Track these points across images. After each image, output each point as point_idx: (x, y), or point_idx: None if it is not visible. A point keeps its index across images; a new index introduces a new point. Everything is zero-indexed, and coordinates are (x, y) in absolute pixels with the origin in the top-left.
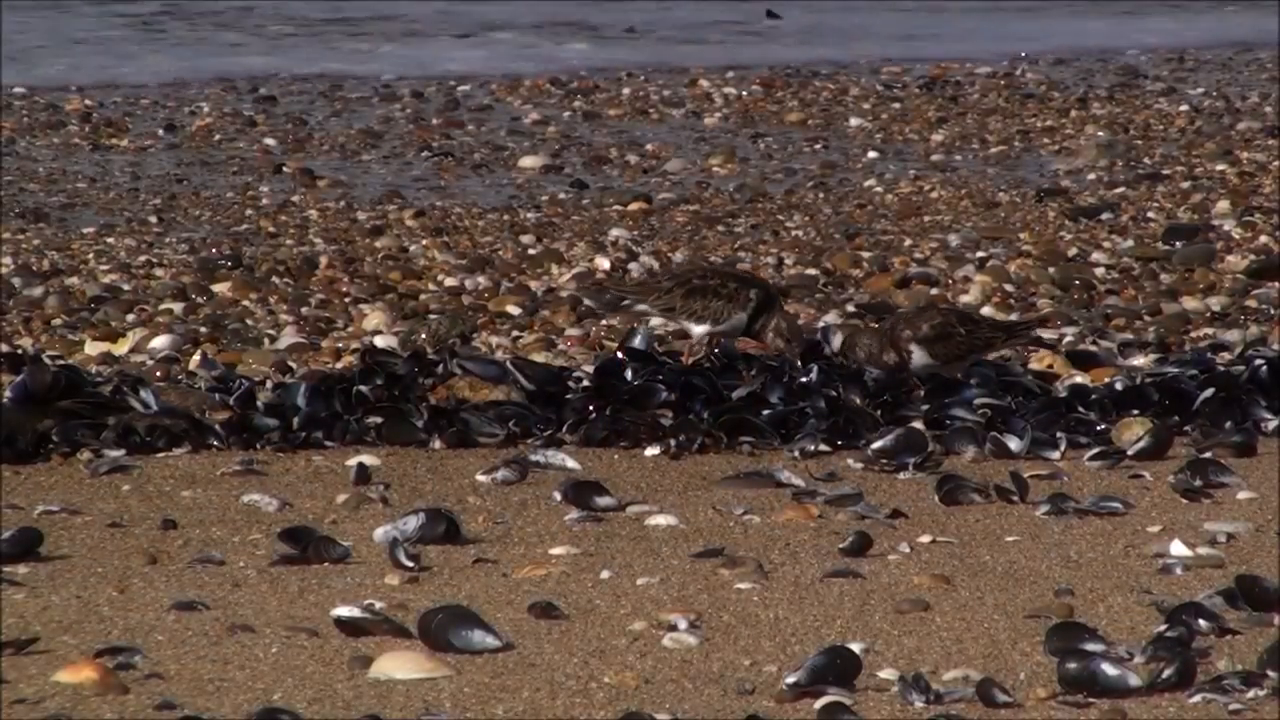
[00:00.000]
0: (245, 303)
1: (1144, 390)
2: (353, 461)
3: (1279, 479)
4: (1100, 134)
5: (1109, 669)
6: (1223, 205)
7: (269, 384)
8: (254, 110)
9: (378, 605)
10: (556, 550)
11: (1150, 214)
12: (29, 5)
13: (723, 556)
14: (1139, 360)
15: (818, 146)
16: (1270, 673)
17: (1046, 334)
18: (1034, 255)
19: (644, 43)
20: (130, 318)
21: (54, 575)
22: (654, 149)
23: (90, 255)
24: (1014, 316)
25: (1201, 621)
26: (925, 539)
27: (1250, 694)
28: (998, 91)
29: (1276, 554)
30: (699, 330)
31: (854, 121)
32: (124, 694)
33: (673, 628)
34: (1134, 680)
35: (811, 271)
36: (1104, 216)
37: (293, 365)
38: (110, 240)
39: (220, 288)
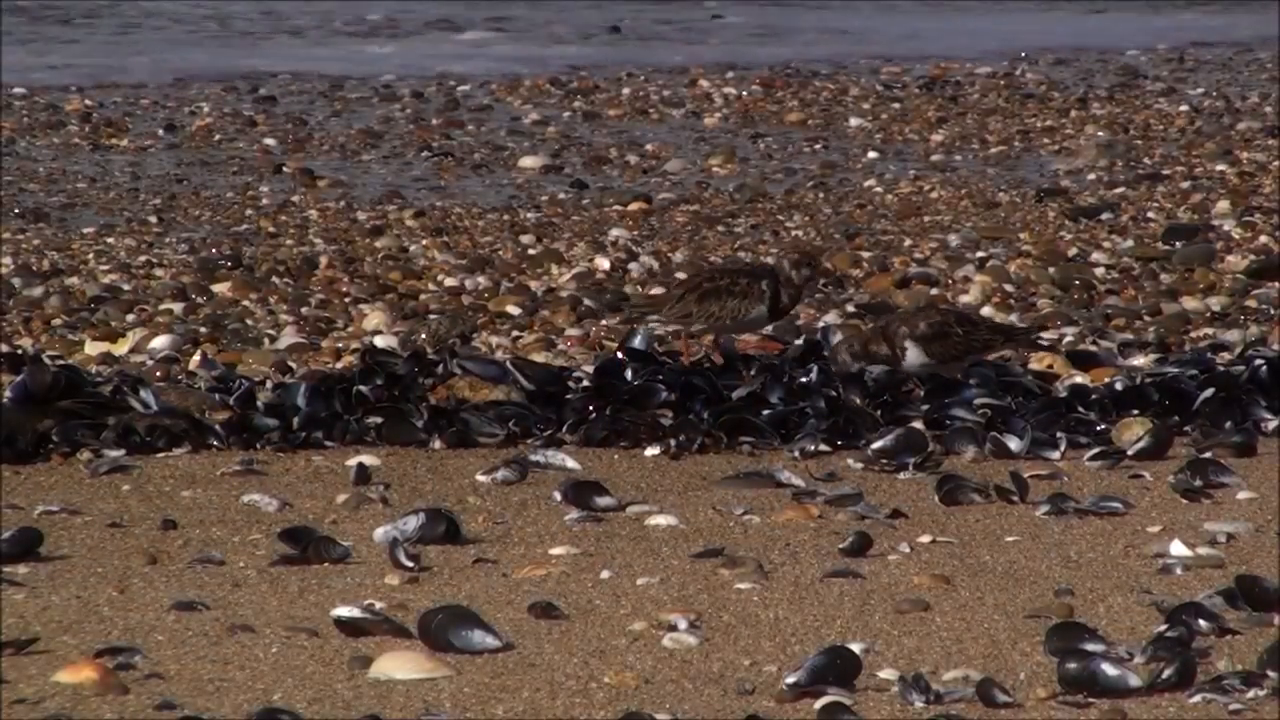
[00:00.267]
0: (245, 303)
1: (1144, 390)
2: (353, 461)
3: (1279, 479)
4: (1100, 134)
5: (1109, 669)
6: (1223, 205)
7: (269, 384)
8: (254, 110)
9: (378, 605)
10: (556, 550)
11: (1150, 214)
12: (29, 5)
13: (723, 556)
14: (1139, 360)
15: (817, 146)
16: (1270, 673)
17: (1047, 335)
18: (1034, 255)
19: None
20: (130, 318)
21: (54, 575)
22: (654, 149)
23: (90, 255)
24: (1014, 317)
25: (1201, 621)
26: (925, 539)
27: (1250, 694)
28: (998, 91)
29: (1276, 554)
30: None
31: (854, 121)
32: (124, 694)
33: (673, 628)
34: (1134, 680)
35: None
36: (1104, 216)
37: (293, 365)
38: (110, 240)
39: (220, 288)
